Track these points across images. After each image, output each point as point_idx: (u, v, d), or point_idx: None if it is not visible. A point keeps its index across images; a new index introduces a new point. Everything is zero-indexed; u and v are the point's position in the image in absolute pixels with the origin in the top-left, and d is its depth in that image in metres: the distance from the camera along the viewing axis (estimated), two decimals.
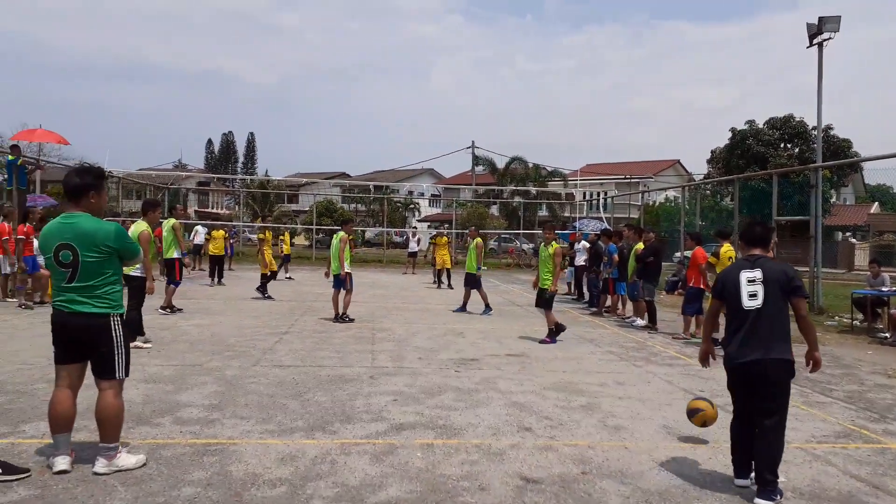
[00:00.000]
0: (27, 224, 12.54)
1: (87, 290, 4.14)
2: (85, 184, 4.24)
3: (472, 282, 13.71)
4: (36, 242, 12.66)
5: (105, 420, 4.18)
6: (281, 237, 23.97)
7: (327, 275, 11.84)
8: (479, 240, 14.35)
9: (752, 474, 4.30)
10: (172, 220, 11.61)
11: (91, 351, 4.22)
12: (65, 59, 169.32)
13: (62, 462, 4.14)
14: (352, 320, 11.42)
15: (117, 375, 4.25)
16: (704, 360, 4.77)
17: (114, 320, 4.23)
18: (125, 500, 3.79)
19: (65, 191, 4.29)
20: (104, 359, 4.21)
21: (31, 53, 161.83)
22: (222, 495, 3.91)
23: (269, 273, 15.36)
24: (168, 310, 11.56)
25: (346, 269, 11.47)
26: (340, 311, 11.49)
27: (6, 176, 17.21)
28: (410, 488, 4.12)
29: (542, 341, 9.98)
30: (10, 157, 15.94)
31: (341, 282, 11.49)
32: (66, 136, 20.65)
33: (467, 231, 18.26)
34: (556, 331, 10.10)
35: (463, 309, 13.57)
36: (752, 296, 4.29)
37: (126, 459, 4.24)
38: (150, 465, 4.33)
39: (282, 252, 22.39)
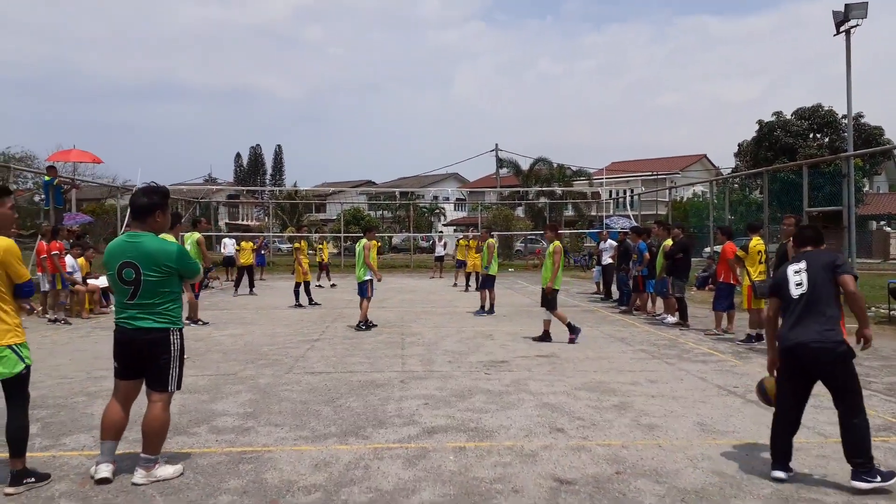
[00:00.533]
0: (58, 241, 12.83)
1: (147, 307, 4.25)
2: (152, 203, 4.38)
3: (487, 282, 13.95)
4: (69, 258, 12.97)
5: (150, 431, 4.28)
6: (319, 246, 24.28)
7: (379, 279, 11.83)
8: (491, 240, 14.46)
9: (786, 469, 4.33)
10: (196, 234, 11.80)
11: (149, 364, 4.31)
12: (97, 83, 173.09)
13: (105, 470, 4.24)
14: (373, 326, 11.41)
15: (169, 388, 4.36)
16: (773, 369, 4.70)
17: (173, 334, 4.34)
18: None
19: (132, 209, 4.43)
20: (159, 370, 4.31)
21: (65, 78, 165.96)
22: (258, 502, 3.96)
23: (303, 282, 15.53)
24: (199, 322, 11.77)
25: (368, 276, 11.42)
26: (359, 319, 11.41)
27: (44, 196, 17.68)
28: (444, 492, 4.13)
29: (570, 341, 9.93)
30: (46, 178, 16.38)
31: (362, 289, 11.49)
32: (99, 155, 21.17)
33: (479, 234, 18.27)
34: (572, 327, 10.00)
35: (482, 311, 13.68)
36: (798, 284, 4.42)
37: (164, 470, 4.32)
38: (187, 474, 4.40)
39: (321, 260, 22.74)
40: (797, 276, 4.44)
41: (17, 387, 4.15)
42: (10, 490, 4.05)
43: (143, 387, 4.41)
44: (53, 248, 12.56)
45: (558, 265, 9.90)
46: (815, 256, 4.50)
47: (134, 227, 4.38)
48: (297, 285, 15.46)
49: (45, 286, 12.66)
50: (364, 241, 11.73)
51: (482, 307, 13.85)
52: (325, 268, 22.77)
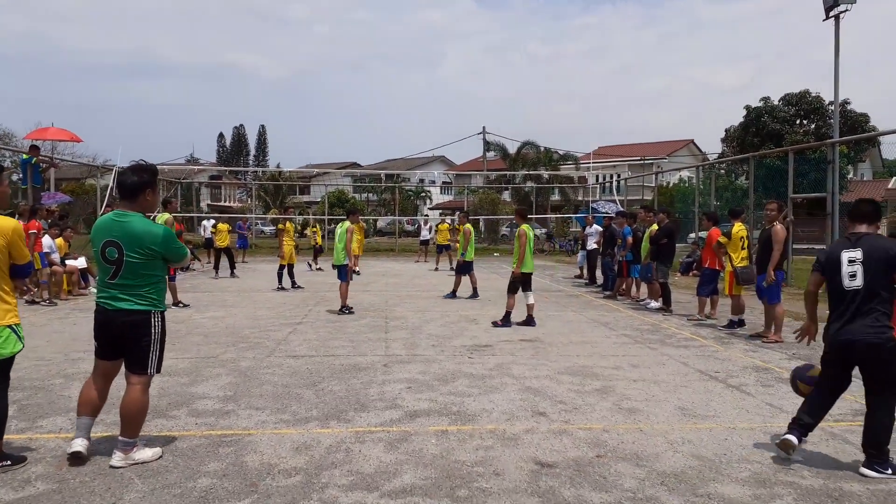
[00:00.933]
0: (37, 220, 12.65)
1: (129, 287, 4.18)
2: (142, 182, 4.29)
3: (464, 268, 13.95)
4: (46, 238, 12.79)
5: (128, 414, 4.22)
6: (313, 229, 24.14)
7: (357, 272, 11.58)
8: (468, 226, 14.42)
9: (797, 436, 4.42)
10: (166, 215, 11.60)
11: (129, 345, 4.25)
12: (76, 59, 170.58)
13: (78, 444, 4.19)
14: (351, 311, 11.22)
15: (149, 371, 4.29)
16: (804, 337, 4.80)
17: (154, 317, 4.27)
18: (142, 492, 3.82)
19: (119, 188, 4.31)
20: (140, 353, 4.24)
21: (43, 54, 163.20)
22: (238, 486, 3.93)
23: (286, 265, 15.36)
24: (179, 304, 11.70)
25: (346, 259, 11.25)
26: (341, 303, 11.29)
27: (21, 175, 17.40)
28: (425, 475, 4.13)
29: (494, 323, 10.02)
30: (24, 156, 16.11)
31: (342, 273, 11.33)
32: (78, 134, 20.84)
33: (456, 218, 18.26)
34: (508, 317, 10.01)
35: (453, 294, 13.72)
36: (852, 276, 4.28)
37: (143, 453, 4.27)
38: (166, 457, 4.36)
39: (313, 244, 22.71)
40: (851, 267, 4.26)
41: (3, 368, 4.12)
42: None
43: (123, 369, 4.36)
44: (31, 228, 12.37)
45: (524, 248, 9.92)
46: (873, 246, 4.26)
47: (122, 206, 4.28)
48: (281, 268, 15.33)
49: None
50: (347, 223, 11.52)
51: (453, 291, 13.83)
52: (320, 251, 22.73)
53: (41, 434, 4.84)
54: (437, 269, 21.68)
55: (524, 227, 10.10)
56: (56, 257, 12.94)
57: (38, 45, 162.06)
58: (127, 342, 4.24)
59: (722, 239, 10.13)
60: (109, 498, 3.74)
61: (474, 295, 13.63)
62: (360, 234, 20.97)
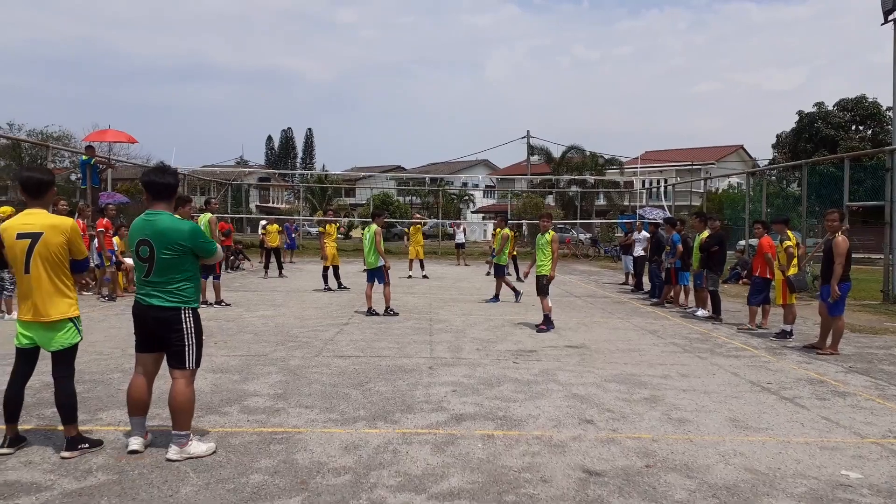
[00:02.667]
0: (105, 218, 13.13)
1: (160, 284, 4.33)
2: (175, 183, 4.50)
3: (499, 271, 14.00)
4: (116, 238, 13.28)
5: (176, 408, 4.36)
6: (363, 231, 24.35)
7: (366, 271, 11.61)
8: (506, 230, 14.43)
9: None
10: (208, 215, 11.96)
11: (165, 341, 4.41)
12: (132, 63, 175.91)
13: (135, 443, 4.41)
14: (396, 314, 11.29)
15: (188, 366, 4.42)
16: None
17: (185, 313, 4.39)
18: (196, 485, 3.93)
19: (151, 189, 4.42)
20: (176, 349, 4.39)
21: (101, 58, 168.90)
22: (289, 483, 4.01)
23: (331, 265, 15.57)
24: (221, 303, 12.03)
25: (381, 262, 11.27)
26: (385, 305, 11.36)
27: (80, 175, 18.02)
28: (472, 479, 4.14)
29: (538, 328, 10.00)
30: (83, 157, 16.69)
31: (376, 275, 11.35)
32: (133, 135, 21.47)
33: (494, 221, 18.18)
34: (549, 319, 10.09)
35: (496, 299, 13.70)
36: None
37: (197, 447, 4.40)
38: (219, 452, 4.47)
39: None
40: None
41: (69, 358, 4.43)
42: (66, 454, 4.32)
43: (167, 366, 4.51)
44: (101, 226, 12.85)
45: (557, 253, 10.23)
46: None
47: (154, 207, 4.41)
48: (326, 269, 15.53)
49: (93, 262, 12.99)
50: (374, 227, 11.41)
51: (496, 296, 13.79)
52: None
53: (101, 426, 5.01)
54: (489, 273, 21.41)
55: (553, 232, 10.35)
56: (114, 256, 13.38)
57: (94, 48, 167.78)
58: (162, 338, 4.40)
59: (789, 244, 9.82)
60: (166, 490, 3.86)
61: (516, 299, 13.59)
62: (416, 234, 21.00)
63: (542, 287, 10.20)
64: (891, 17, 14.96)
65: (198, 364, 4.51)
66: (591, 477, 4.22)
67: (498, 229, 15.85)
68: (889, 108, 37.82)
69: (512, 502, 3.82)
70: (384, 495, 3.87)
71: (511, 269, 19.98)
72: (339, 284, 15.52)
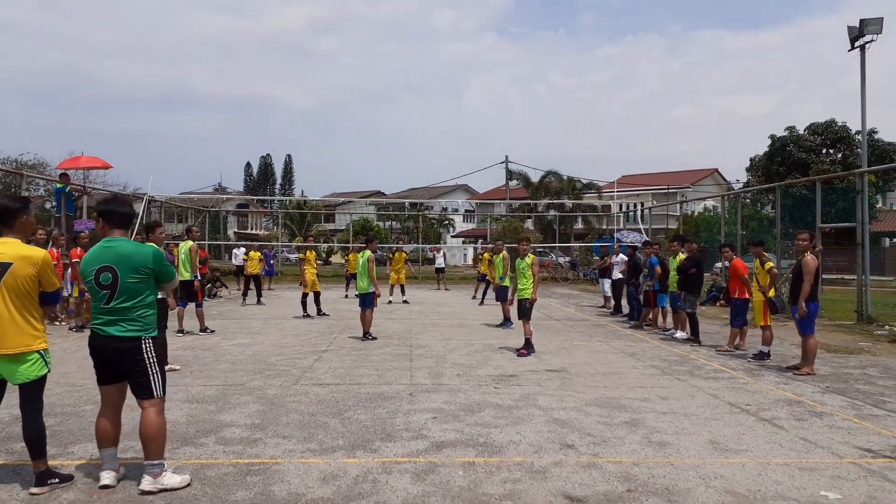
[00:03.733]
0: (78, 248, 12.92)
1: (122, 311, 4.26)
2: (133, 212, 4.51)
3: (502, 294, 13.94)
4: None
5: (147, 437, 4.28)
6: (346, 257, 24.25)
7: (347, 296, 11.88)
8: (504, 253, 14.52)
9: None
10: (190, 243, 11.86)
11: (127, 374, 4.34)
12: (109, 91, 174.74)
13: (107, 477, 4.30)
14: (375, 338, 11.42)
15: (155, 394, 4.35)
16: None
17: (145, 343, 4.33)
18: None
19: (113, 217, 4.42)
20: (140, 380, 4.32)
21: (78, 86, 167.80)
22: None
23: (311, 292, 15.48)
24: (206, 330, 11.90)
25: (372, 287, 11.56)
26: (364, 329, 11.54)
27: (55, 203, 17.79)
28: None
29: (518, 353, 10.00)
30: (58, 185, 16.49)
31: (369, 300, 11.55)
32: (109, 162, 21.27)
33: (493, 245, 18.23)
34: (530, 343, 10.11)
35: (508, 322, 13.58)
36: None
37: (171, 479, 4.30)
38: (195, 485, 4.37)
39: (347, 272, 22.73)
40: None
41: (36, 391, 4.31)
42: (35, 490, 4.21)
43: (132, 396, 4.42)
44: (74, 256, 12.64)
45: (538, 276, 10.26)
46: None
47: (110, 234, 4.40)
48: (305, 296, 15.44)
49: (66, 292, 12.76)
50: (368, 252, 11.71)
51: (507, 319, 13.68)
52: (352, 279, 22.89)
53: (72, 460, 4.88)
54: (475, 297, 21.34)
55: (533, 256, 10.41)
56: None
57: (73, 77, 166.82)
58: (124, 370, 4.32)
59: (771, 265, 9.95)
60: None
61: (505, 323, 13.57)
62: (399, 261, 21.02)
63: (525, 311, 10.20)
64: (857, 44, 15.42)
65: (163, 391, 4.43)
66: (572, 503, 4.19)
67: (492, 254, 15.94)
68: (858, 132, 38.76)
69: None
70: None
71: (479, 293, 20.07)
72: (319, 311, 15.41)
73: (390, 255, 23.19)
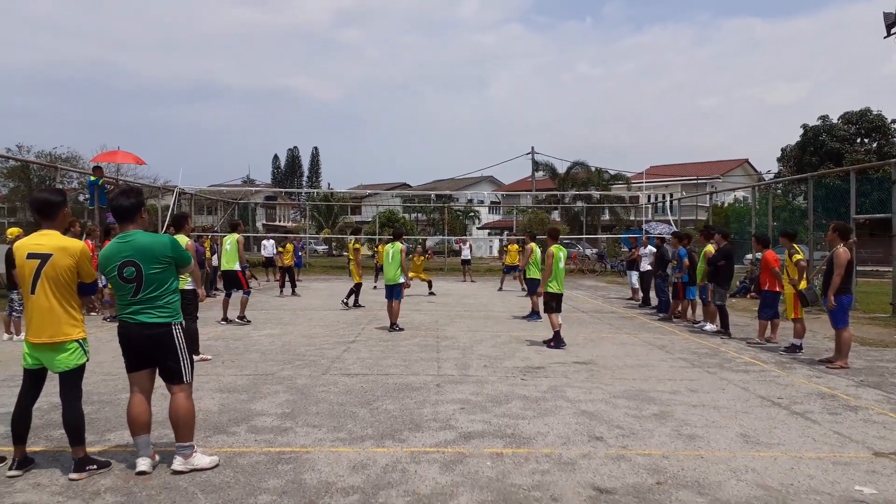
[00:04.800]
0: (111, 240, 13.19)
1: (150, 301, 4.38)
2: (139, 203, 4.58)
3: (533, 286, 13.82)
4: None
5: (178, 420, 4.44)
6: (376, 248, 24.44)
7: (376, 287, 12.02)
8: (532, 244, 14.44)
9: None
10: (236, 235, 12.34)
11: (158, 358, 4.46)
12: (139, 84, 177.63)
13: (143, 464, 4.42)
14: (402, 329, 11.54)
15: (184, 379, 4.50)
16: None
17: (175, 329, 4.47)
18: None
19: (118, 213, 4.53)
20: (171, 366, 4.46)
21: (109, 80, 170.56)
22: (297, 503, 3.99)
23: (360, 283, 15.81)
24: (244, 319, 12.23)
25: (402, 278, 11.70)
26: (391, 321, 11.65)
27: (88, 196, 18.16)
28: (481, 498, 4.10)
29: (547, 344, 9.97)
30: (91, 178, 16.82)
31: (397, 291, 11.66)
32: (140, 156, 21.66)
33: (522, 237, 18.14)
34: (558, 337, 9.96)
35: (536, 315, 13.51)
36: None
37: (201, 459, 4.48)
38: (227, 472, 4.46)
39: (376, 263, 22.88)
40: None
41: (76, 379, 4.44)
42: (74, 476, 4.33)
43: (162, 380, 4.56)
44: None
45: (550, 267, 10.04)
46: None
47: (124, 230, 4.50)
48: (359, 286, 15.71)
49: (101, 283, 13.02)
50: (399, 244, 11.87)
51: (534, 310, 13.64)
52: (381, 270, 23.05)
53: (109, 447, 5.00)
54: (501, 289, 21.44)
55: (553, 247, 10.27)
56: None
57: (104, 70, 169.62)
58: (155, 356, 4.45)
59: (799, 257, 9.80)
60: None
61: (533, 316, 13.52)
62: (417, 260, 21.10)
63: (546, 304, 10.17)
64: (893, 31, 15.03)
65: (192, 376, 4.59)
66: (601, 495, 4.18)
67: (521, 245, 15.83)
68: (894, 121, 37.82)
69: None
70: None
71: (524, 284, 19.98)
72: (356, 302, 15.62)
73: (512, 248, 22.91)
